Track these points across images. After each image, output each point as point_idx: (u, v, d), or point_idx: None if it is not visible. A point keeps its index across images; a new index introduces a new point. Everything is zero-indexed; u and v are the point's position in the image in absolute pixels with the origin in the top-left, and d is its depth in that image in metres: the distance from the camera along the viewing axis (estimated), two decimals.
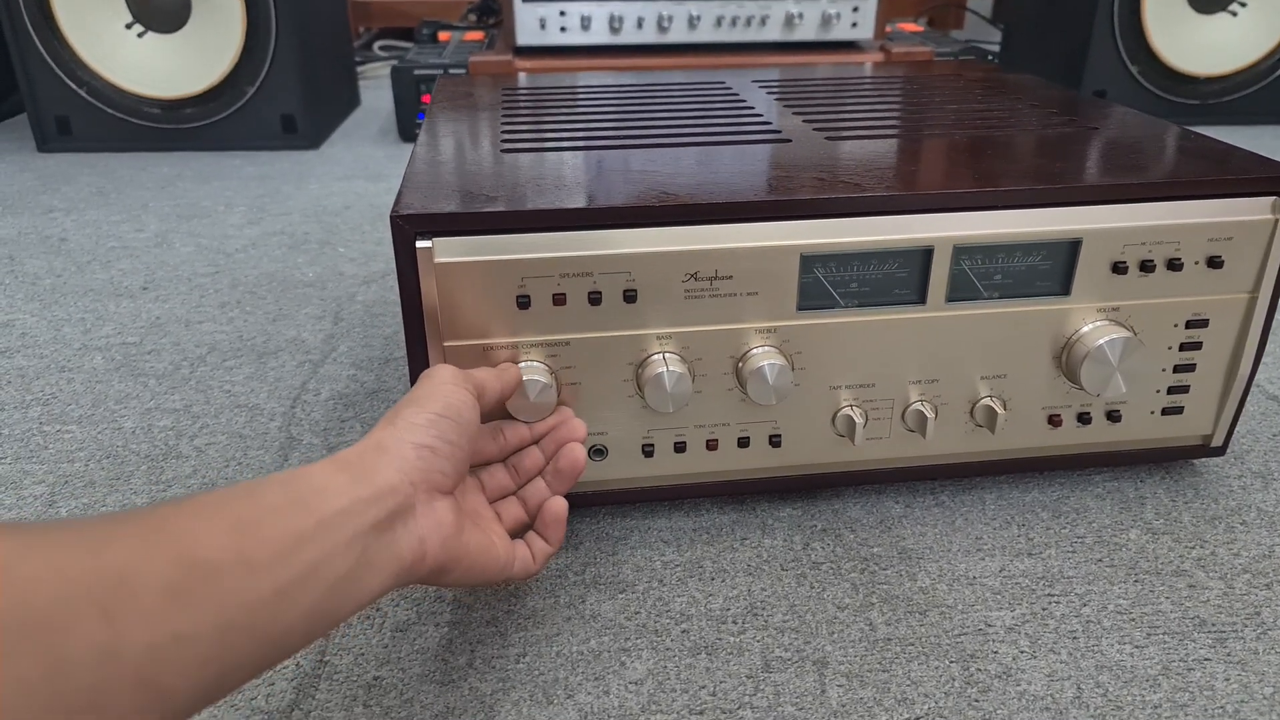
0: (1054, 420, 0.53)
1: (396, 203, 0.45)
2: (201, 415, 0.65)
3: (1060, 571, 0.50)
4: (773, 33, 1.32)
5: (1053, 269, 0.49)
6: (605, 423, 0.50)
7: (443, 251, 0.44)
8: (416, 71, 1.29)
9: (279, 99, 1.27)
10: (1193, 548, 0.51)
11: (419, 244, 0.44)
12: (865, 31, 1.33)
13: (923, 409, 0.51)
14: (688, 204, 0.46)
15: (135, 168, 1.24)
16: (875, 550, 0.52)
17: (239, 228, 1.02)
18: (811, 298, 0.48)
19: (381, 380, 0.69)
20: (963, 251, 0.48)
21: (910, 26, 1.60)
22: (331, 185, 1.17)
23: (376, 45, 1.99)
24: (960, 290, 0.49)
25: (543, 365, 0.47)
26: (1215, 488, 0.56)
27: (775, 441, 0.52)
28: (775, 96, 0.70)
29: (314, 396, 0.67)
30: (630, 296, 0.46)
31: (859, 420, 0.51)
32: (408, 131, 1.34)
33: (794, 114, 0.64)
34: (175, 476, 0.58)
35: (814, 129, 0.60)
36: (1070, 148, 0.55)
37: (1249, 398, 0.66)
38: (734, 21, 1.30)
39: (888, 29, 1.54)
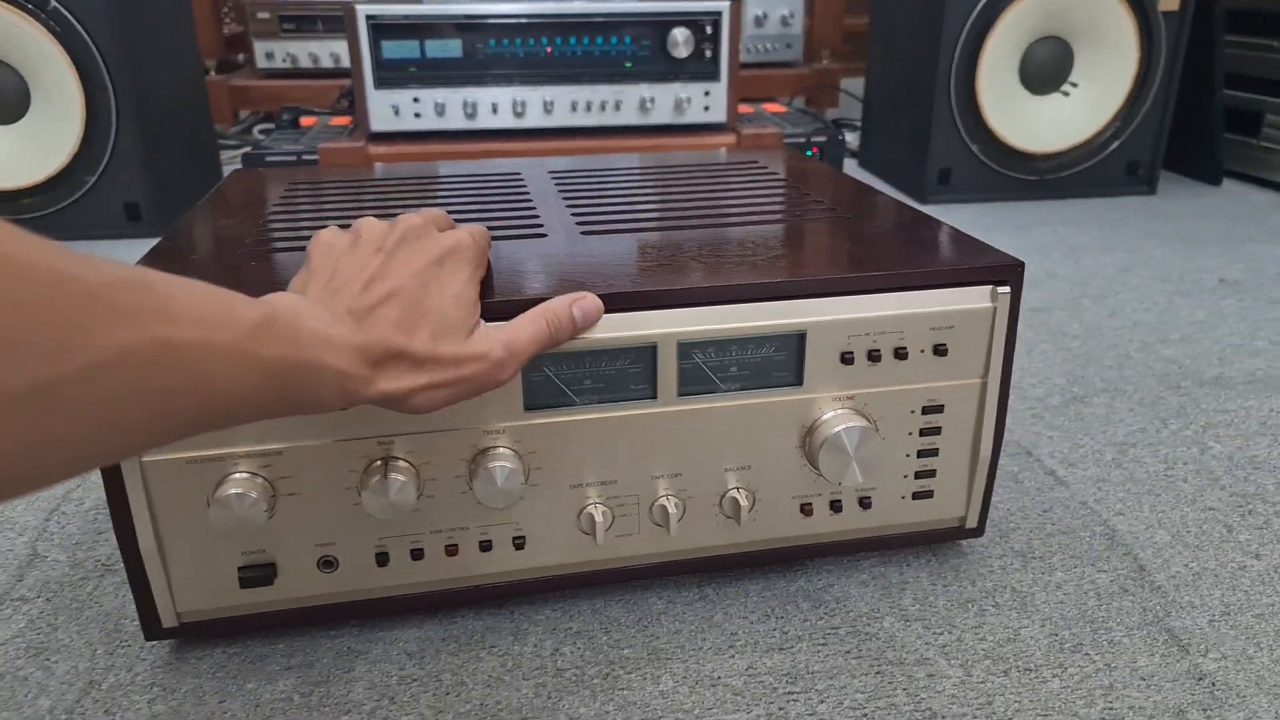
0: (806, 509, 0.53)
1: None
2: None
3: (806, 667, 0.49)
4: (629, 116, 1.35)
5: (786, 360, 0.50)
6: (332, 533, 0.48)
7: None
8: (269, 159, 1.28)
9: (122, 187, 1.24)
10: (940, 634, 0.51)
11: None
12: (718, 115, 1.37)
13: (666, 504, 0.51)
14: None
15: None
16: (625, 652, 0.50)
17: None
18: (541, 396, 0.48)
19: None
20: (691, 346, 0.48)
21: (773, 107, 1.66)
22: None
23: (256, 129, 1.98)
24: (693, 384, 0.49)
25: (254, 477, 0.46)
26: (976, 568, 0.57)
27: (519, 543, 0.50)
28: (560, 188, 0.71)
29: (75, 506, 0.63)
30: None
31: (599, 518, 0.50)
32: None
33: (567, 206, 0.65)
34: None
35: (576, 223, 0.60)
36: (811, 241, 0.57)
37: (1028, 473, 0.67)
38: (589, 106, 1.33)
39: (747, 109, 1.59)
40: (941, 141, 1.43)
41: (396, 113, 1.28)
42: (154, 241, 1.29)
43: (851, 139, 1.84)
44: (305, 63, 1.90)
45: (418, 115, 1.29)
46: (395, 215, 0.45)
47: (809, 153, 1.42)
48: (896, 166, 1.58)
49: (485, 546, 0.50)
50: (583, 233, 0.58)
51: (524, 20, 1.28)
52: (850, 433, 0.50)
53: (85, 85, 1.18)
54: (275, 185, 0.72)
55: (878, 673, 0.48)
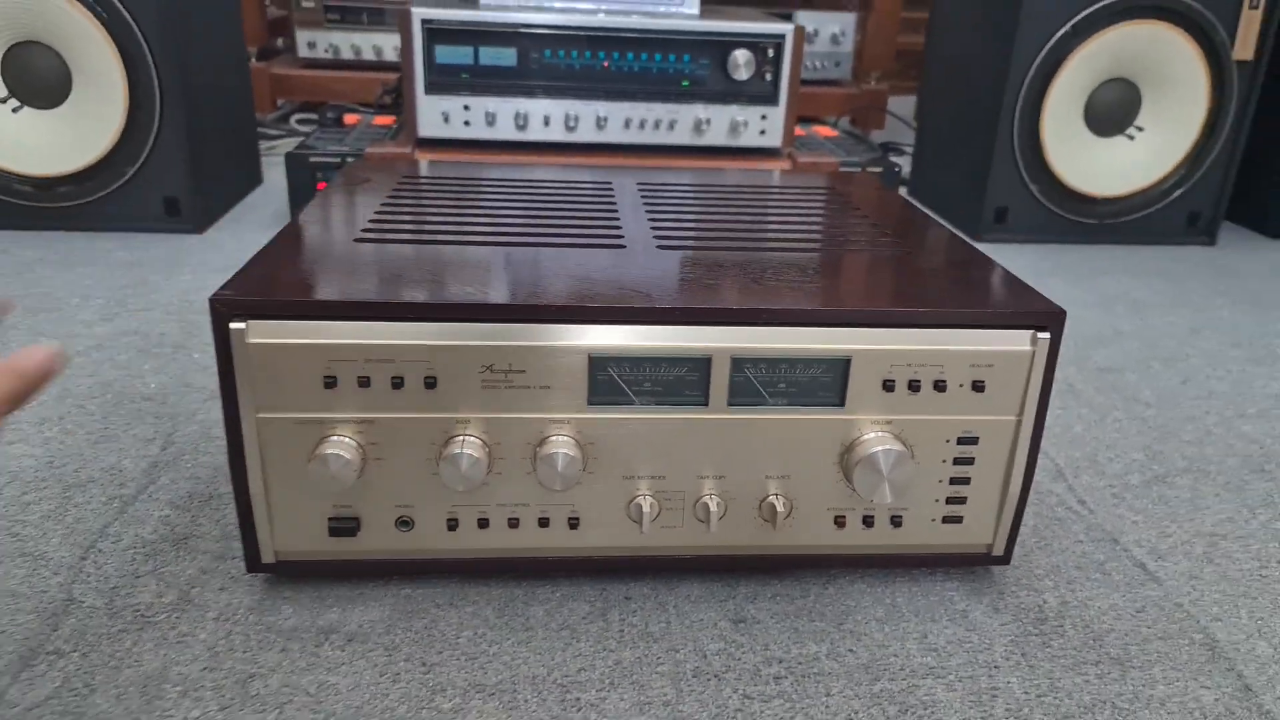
0: (839, 521, 0.56)
1: (222, 286, 0.49)
2: None
3: None
4: (682, 137, 1.31)
5: (831, 382, 0.52)
6: (411, 496, 0.53)
7: (255, 333, 0.48)
8: (312, 159, 1.25)
9: (162, 180, 1.21)
10: None
11: (233, 325, 0.48)
12: (774, 140, 1.33)
13: (709, 502, 0.54)
14: (483, 304, 0.49)
15: None
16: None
17: (89, 325, 0.95)
18: (603, 394, 0.51)
19: (196, 524, 0.62)
20: (742, 361, 0.51)
21: (825, 131, 1.61)
22: (206, 277, 1.11)
23: (294, 118, 1.95)
24: (743, 395, 0.52)
25: (349, 441, 0.50)
26: (1070, 677, 0.52)
27: (574, 524, 0.54)
28: (645, 200, 0.72)
29: (113, 544, 0.60)
30: (430, 383, 0.50)
31: (647, 509, 0.53)
32: None
33: (648, 219, 0.67)
34: None
35: (655, 237, 0.63)
36: (867, 271, 0.59)
37: (1116, 564, 0.64)
38: (642, 124, 1.29)
39: (801, 131, 1.55)
40: (1001, 180, 1.39)
41: (446, 120, 1.24)
42: (192, 237, 1.26)
43: (900, 163, 1.79)
44: (347, 54, 1.87)
45: (467, 123, 1.25)
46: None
47: None
48: (951, 200, 1.54)
49: (544, 523, 0.54)
50: (659, 247, 0.61)
51: (582, 33, 1.24)
52: (886, 455, 0.52)
53: (129, 72, 1.15)
54: (387, 177, 0.77)
55: None
